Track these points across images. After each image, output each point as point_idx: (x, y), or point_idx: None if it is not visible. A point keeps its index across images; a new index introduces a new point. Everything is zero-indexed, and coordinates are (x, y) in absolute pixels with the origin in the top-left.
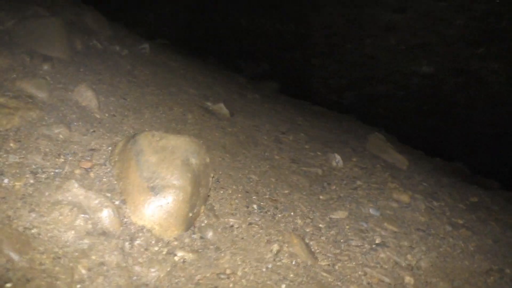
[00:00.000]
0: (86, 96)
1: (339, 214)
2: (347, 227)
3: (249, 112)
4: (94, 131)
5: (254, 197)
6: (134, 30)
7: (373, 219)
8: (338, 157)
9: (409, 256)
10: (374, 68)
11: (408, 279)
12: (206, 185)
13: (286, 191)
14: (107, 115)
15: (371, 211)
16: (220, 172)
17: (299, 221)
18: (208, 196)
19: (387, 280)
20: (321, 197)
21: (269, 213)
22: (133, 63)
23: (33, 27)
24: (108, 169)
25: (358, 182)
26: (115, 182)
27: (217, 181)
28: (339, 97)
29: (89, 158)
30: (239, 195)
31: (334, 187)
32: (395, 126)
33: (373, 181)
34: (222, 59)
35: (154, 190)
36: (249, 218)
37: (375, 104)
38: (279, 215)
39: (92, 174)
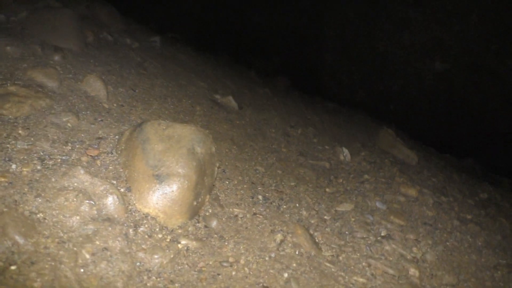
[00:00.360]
0: (95, 87)
1: (345, 207)
2: (353, 219)
3: (258, 106)
4: (102, 120)
5: (259, 188)
6: (146, 24)
7: (379, 212)
8: (346, 151)
9: (414, 249)
10: (386, 64)
11: (413, 271)
12: (211, 174)
13: (292, 183)
14: (115, 105)
15: (378, 204)
16: (227, 163)
17: (304, 213)
18: (214, 185)
19: (391, 271)
20: (327, 190)
21: (274, 204)
22: (143, 56)
23: (45, 18)
24: (115, 157)
25: (366, 176)
26: (121, 169)
27: (223, 171)
28: (350, 93)
29: (96, 146)
30: (245, 186)
31: (341, 180)
32: (407, 123)
33: (381, 175)
34: (233, 53)
35: (159, 178)
36: (253, 209)
37: (387, 101)
38: (284, 206)
39: (98, 162)
